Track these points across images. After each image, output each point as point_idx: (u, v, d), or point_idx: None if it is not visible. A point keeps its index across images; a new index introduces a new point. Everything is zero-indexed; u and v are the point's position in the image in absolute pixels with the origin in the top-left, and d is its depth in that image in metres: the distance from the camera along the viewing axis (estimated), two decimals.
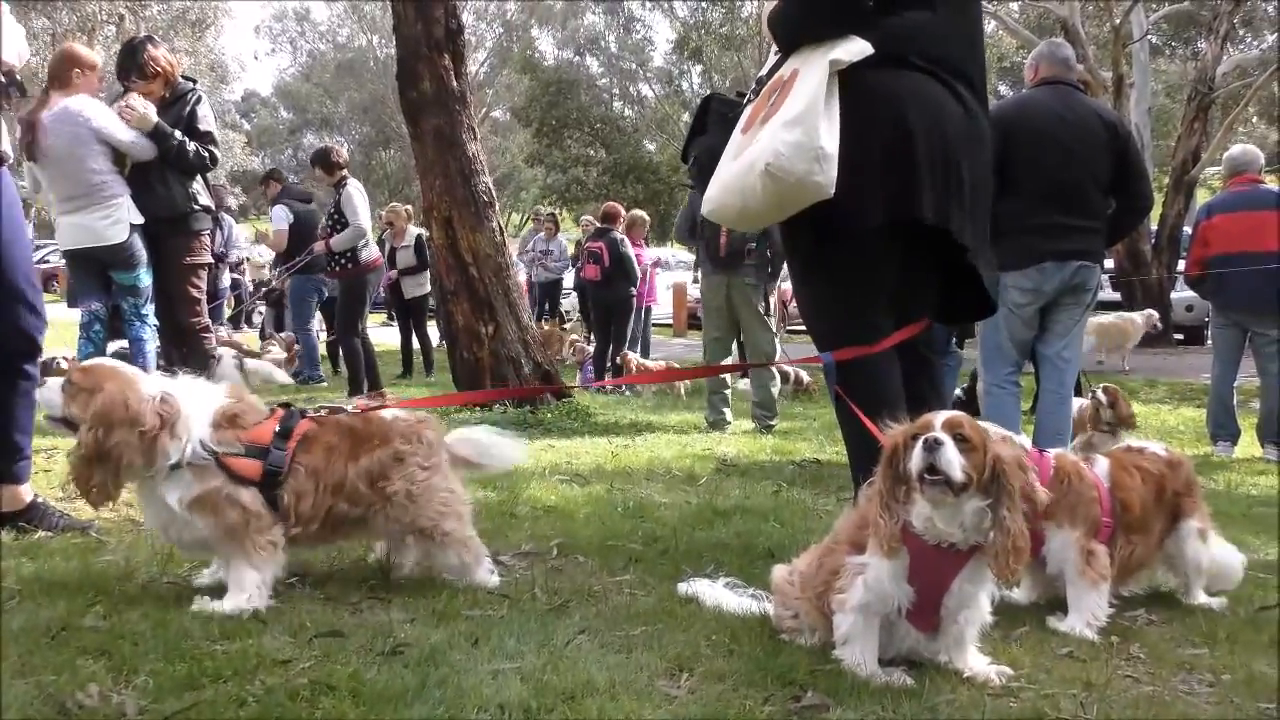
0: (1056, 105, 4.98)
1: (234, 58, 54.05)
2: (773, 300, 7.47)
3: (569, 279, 15.29)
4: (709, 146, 3.08)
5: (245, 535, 2.61)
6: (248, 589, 2.58)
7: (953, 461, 2.11)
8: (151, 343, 5.91)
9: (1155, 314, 12.96)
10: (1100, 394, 5.98)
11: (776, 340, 7.50)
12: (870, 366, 2.78)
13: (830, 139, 2.58)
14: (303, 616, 2.52)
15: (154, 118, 5.59)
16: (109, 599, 2.63)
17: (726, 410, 7.31)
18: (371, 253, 8.69)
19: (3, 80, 3.34)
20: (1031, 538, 2.21)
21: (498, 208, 7.62)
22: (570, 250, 14.83)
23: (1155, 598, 3.06)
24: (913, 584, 2.19)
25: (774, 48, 2.99)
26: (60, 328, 14.21)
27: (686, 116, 43.89)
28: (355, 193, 8.49)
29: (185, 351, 6.10)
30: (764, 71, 2.97)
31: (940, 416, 2.19)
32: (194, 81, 6.06)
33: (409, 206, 12.06)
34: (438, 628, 2.48)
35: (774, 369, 7.35)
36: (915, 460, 2.14)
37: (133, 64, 5.76)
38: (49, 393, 2.66)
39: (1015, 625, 2.66)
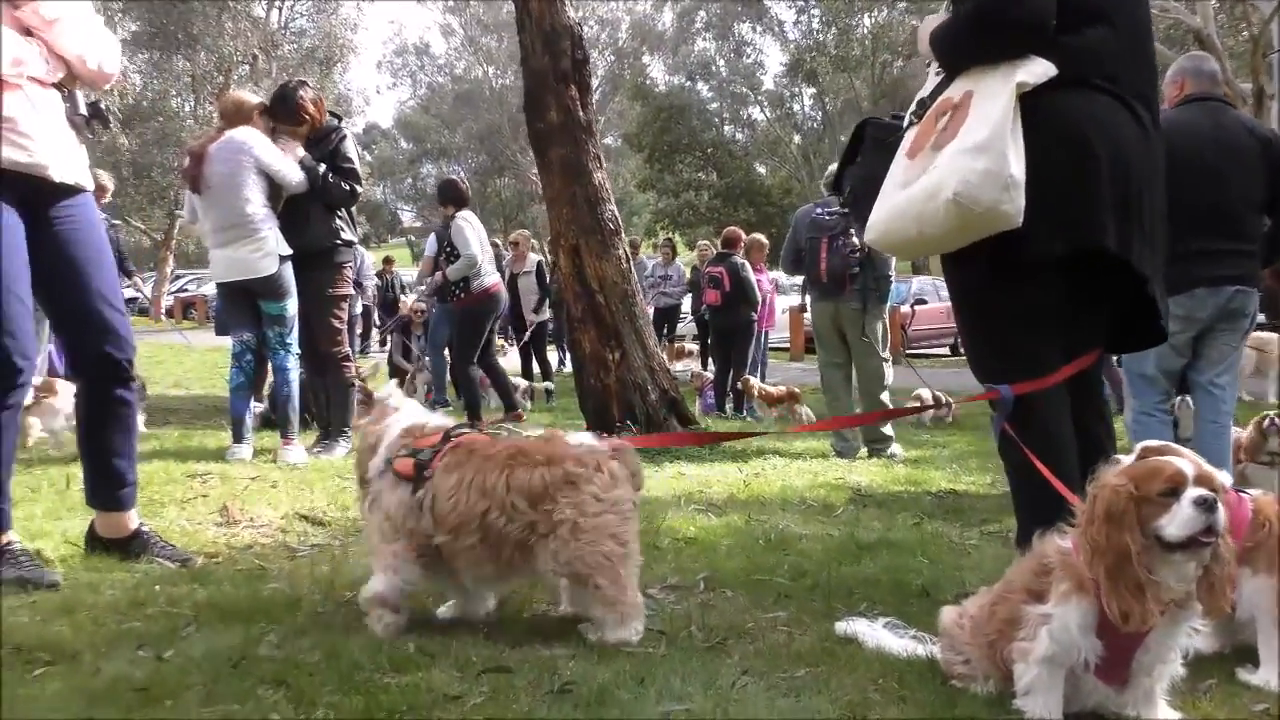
0: (1206, 124, 4.76)
1: (358, 92, 55.99)
2: (883, 324, 7.37)
3: (687, 304, 15.29)
4: (865, 174, 2.99)
5: (376, 540, 2.75)
6: (371, 587, 2.72)
7: (1222, 520, 1.96)
8: (295, 370, 6.11)
9: None
10: (1272, 421, 5.61)
11: (888, 366, 7.39)
12: (1043, 402, 2.66)
13: (1019, 166, 2.48)
14: (468, 651, 2.53)
15: (301, 152, 5.82)
16: (280, 627, 2.69)
17: (856, 438, 7.20)
18: (485, 281, 8.71)
19: (85, 113, 3.45)
20: None
21: (623, 234, 7.67)
22: (687, 275, 14.83)
23: None
24: (1101, 637, 2.08)
25: (934, 67, 2.90)
26: (201, 354, 14.78)
27: (798, 139, 43.78)
28: (465, 224, 8.58)
29: (327, 380, 6.29)
30: (925, 93, 2.86)
31: (1187, 467, 2.03)
32: (339, 118, 6.27)
33: (524, 232, 12.27)
34: (600, 664, 2.46)
35: (887, 388, 7.29)
36: (1186, 522, 1.97)
37: (283, 109, 5.99)
38: None
39: (1201, 677, 2.51)
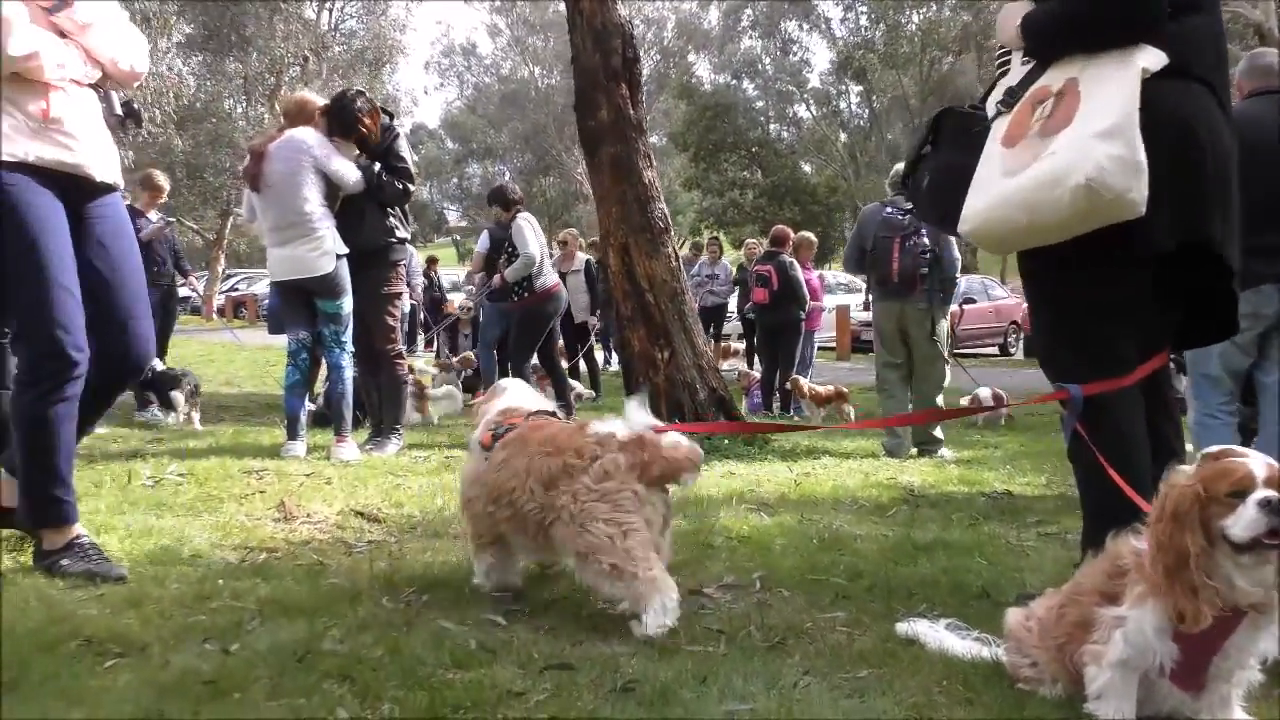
0: (1271, 116, 4.65)
1: (406, 92, 56.44)
2: (943, 325, 7.29)
3: (732, 303, 15.24)
4: (947, 165, 2.92)
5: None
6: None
7: None
8: (349, 369, 6.17)
9: None
10: None
11: (947, 368, 7.34)
12: (1118, 402, 2.60)
13: (1144, 153, 2.43)
14: (529, 648, 2.54)
15: (356, 152, 5.90)
16: (342, 622, 2.72)
17: (906, 436, 7.13)
18: (547, 281, 8.80)
19: (120, 113, 3.50)
20: None
21: (673, 233, 7.66)
22: (734, 273, 14.77)
23: None
24: (1177, 642, 2.03)
25: (1019, 57, 2.83)
26: (251, 352, 14.98)
27: (844, 137, 43.50)
28: (525, 224, 8.63)
29: (380, 377, 6.35)
30: (1013, 81, 2.79)
31: (1259, 469, 1.99)
32: (391, 116, 6.32)
33: (572, 231, 12.28)
34: (661, 662, 2.46)
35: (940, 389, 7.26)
36: (1250, 523, 1.94)
37: (339, 122, 6.01)
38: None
39: (1276, 684, 2.45)
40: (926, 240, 7.07)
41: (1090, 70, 2.56)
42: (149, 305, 3.49)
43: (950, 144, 2.93)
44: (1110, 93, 2.48)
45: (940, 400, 7.26)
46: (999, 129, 2.72)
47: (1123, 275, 2.63)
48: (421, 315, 16.85)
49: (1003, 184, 2.59)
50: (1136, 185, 2.41)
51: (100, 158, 3.30)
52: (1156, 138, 2.48)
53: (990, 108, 2.83)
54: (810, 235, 11.69)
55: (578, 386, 10.53)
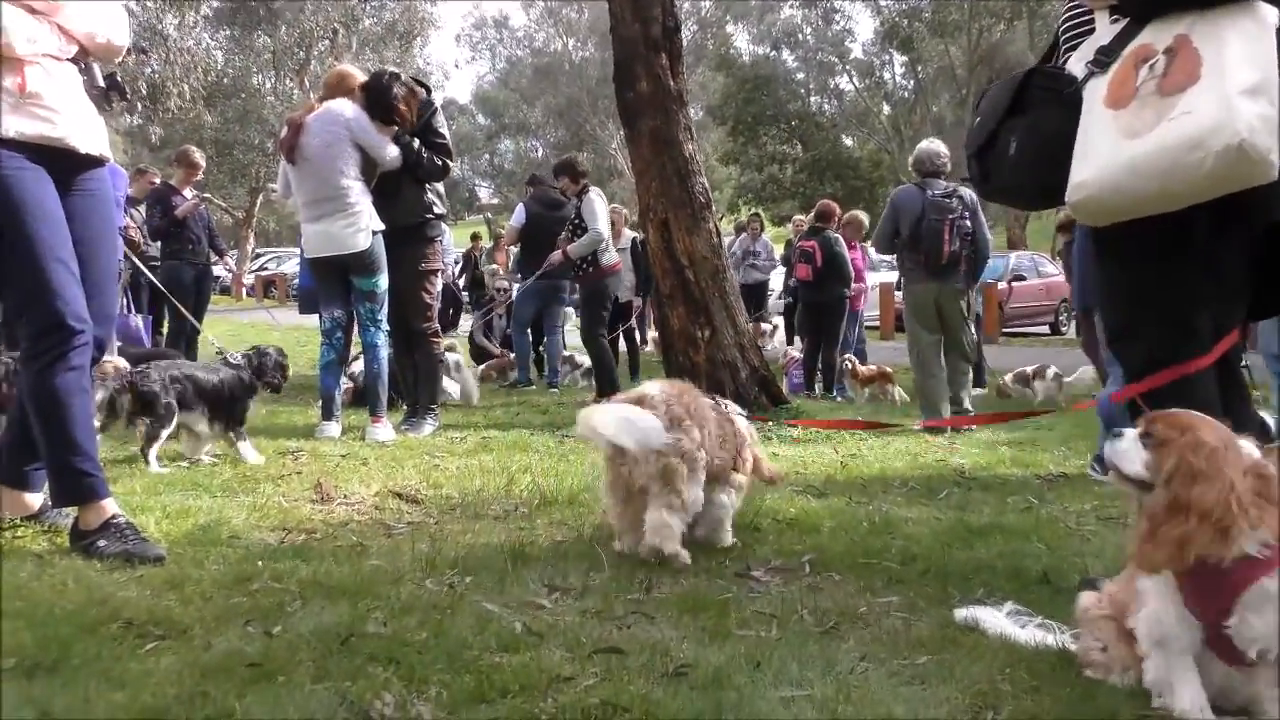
0: None
1: (437, 66, 56.47)
2: (975, 301, 7.57)
3: (776, 281, 15.16)
4: (1041, 129, 2.77)
5: None
6: None
7: None
8: (385, 348, 6.19)
9: None
10: None
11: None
12: (1195, 383, 2.53)
13: None
14: (575, 631, 2.54)
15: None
16: (384, 605, 2.72)
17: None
18: (611, 257, 8.84)
19: (103, 85, 3.53)
20: None
21: (714, 208, 7.60)
22: (776, 251, 14.67)
23: None
24: (1191, 608, 2.01)
25: (1105, 17, 2.73)
26: (283, 332, 15.08)
27: (888, 109, 43.00)
28: (597, 199, 8.59)
29: (415, 356, 6.36)
30: (1105, 40, 2.69)
31: None
32: (428, 89, 6.29)
33: (619, 207, 12.20)
34: (712, 646, 2.45)
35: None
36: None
37: (377, 106, 5.98)
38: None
39: None
40: (968, 222, 7.32)
41: (1201, 26, 2.46)
42: (116, 282, 3.57)
43: (1041, 107, 2.81)
44: (1242, 48, 2.37)
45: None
46: (1096, 90, 2.61)
47: (1224, 244, 2.55)
48: (467, 295, 16.54)
49: (1124, 148, 2.48)
50: (1277, 147, 2.33)
51: (84, 130, 3.35)
52: None
53: (1076, 68, 2.73)
54: (860, 214, 11.55)
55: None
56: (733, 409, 3.80)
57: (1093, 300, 5.93)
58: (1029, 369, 9.77)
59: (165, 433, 4.86)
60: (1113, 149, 2.50)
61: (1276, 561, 1.96)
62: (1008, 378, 9.85)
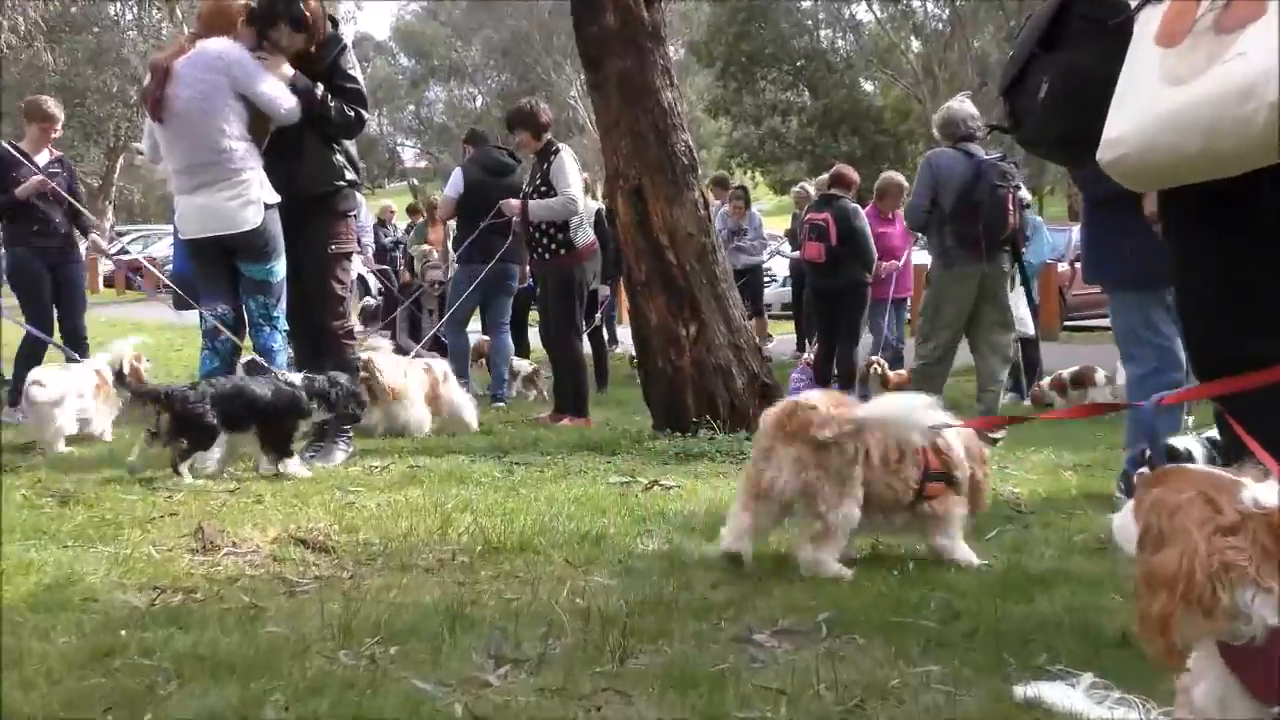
0: None
1: None
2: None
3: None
4: (1077, 68, 2.78)
5: None
6: None
7: None
8: (283, 351, 6.15)
9: None
10: None
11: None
12: None
13: None
14: (531, 714, 2.54)
15: (289, 70, 5.82)
16: (287, 684, 2.71)
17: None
18: (587, 235, 8.65)
19: None
20: None
21: (699, 173, 7.61)
22: (784, 226, 14.71)
23: None
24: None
25: None
26: (151, 331, 14.99)
27: (917, 45, 43.30)
28: (569, 159, 8.42)
29: (324, 363, 6.31)
30: None
31: None
32: (335, 24, 6.26)
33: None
34: None
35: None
36: None
37: (284, 10, 5.91)
38: None
39: None
40: (1026, 192, 7.61)
41: None
42: None
43: (1082, 39, 2.83)
44: None
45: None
46: (1149, 21, 2.62)
47: None
48: (377, 286, 16.41)
49: (1165, 96, 2.48)
50: None
51: None
52: None
53: None
54: (898, 177, 11.56)
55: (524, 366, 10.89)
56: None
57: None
58: (1065, 373, 9.84)
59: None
60: (1154, 97, 2.49)
61: None
62: (1044, 383, 9.91)
